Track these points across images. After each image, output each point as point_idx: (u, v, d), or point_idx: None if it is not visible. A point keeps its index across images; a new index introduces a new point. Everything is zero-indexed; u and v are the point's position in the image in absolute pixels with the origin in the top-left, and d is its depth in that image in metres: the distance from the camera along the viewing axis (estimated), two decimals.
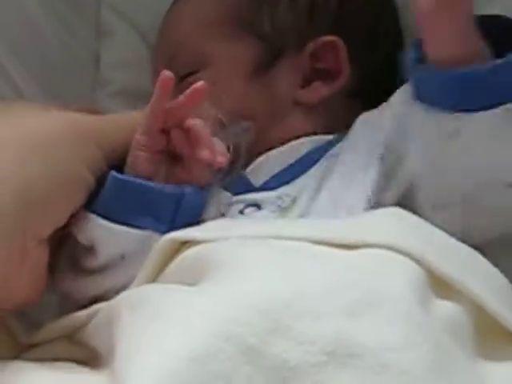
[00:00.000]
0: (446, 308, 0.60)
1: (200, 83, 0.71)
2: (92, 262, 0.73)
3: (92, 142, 0.71)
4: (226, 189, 0.80)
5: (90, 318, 0.68)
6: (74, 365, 0.66)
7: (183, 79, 0.86)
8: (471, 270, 0.65)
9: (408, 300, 0.57)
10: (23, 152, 0.67)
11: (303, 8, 0.89)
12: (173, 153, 0.74)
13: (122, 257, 0.72)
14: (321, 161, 0.81)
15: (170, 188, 0.72)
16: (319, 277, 0.58)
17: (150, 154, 0.73)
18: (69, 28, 0.99)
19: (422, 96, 0.73)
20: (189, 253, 0.65)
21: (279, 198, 0.78)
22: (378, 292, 0.57)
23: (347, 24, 0.89)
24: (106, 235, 0.72)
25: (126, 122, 0.75)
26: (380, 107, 0.82)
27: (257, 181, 0.82)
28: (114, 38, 1.04)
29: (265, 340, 0.53)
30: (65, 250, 0.75)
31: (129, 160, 0.74)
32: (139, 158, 0.73)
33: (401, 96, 0.78)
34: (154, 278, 0.68)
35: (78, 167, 0.70)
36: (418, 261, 0.61)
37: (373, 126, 0.80)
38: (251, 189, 0.81)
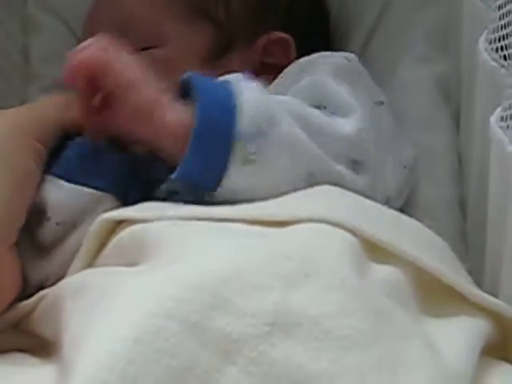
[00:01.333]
0: (383, 272, 0.62)
1: None
2: (44, 234, 0.73)
3: (32, 137, 0.71)
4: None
5: (35, 305, 0.68)
6: (22, 355, 0.66)
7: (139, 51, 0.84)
8: (404, 233, 0.66)
9: (343, 268, 0.58)
10: None
11: (256, 2, 0.91)
12: None
13: (74, 225, 0.72)
14: None
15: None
16: (255, 252, 0.59)
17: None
18: None
19: None
20: (125, 233, 0.66)
21: None
22: (313, 262, 0.58)
23: (295, 23, 0.92)
24: (57, 194, 0.72)
25: (51, 105, 0.75)
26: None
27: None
28: (41, 33, 1.03)
29: (207, 315, 0.54)
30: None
31: None
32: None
33: None
34: (92, 260, 0.68)
35: (26, 163, 0.70)
36: (350, 230, 0.62)
37: None
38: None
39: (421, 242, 0.67)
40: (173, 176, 0.69)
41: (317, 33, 0.96)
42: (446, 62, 0.93)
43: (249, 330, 0.54)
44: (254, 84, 0.73)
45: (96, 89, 0.71)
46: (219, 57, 0.88)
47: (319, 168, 0.71)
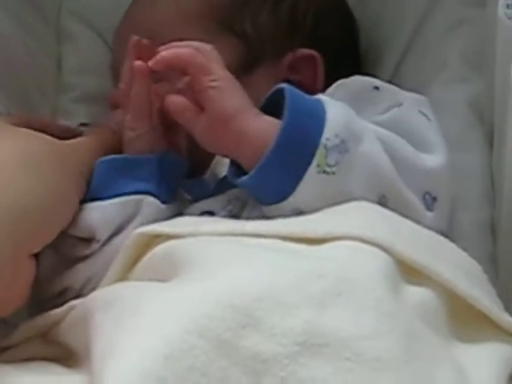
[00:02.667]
0: (417, 294, 0.61)
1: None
2: (84, 251, 0.74)
3: (76, 168, 0.73)
4: (187, 191, 0.81)
5: (64, 315, 0.68)
6: (48, 364, 0.66)
7: None
8: (440, 255, 0.66)
9: (377, 288, 0.58)
10: (17, 170, 0.68)
11: (285, 17, 0.91)
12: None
13: (119, 230, 0.73)
14: None
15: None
16: (288, 270, 0.59)
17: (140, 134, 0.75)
18: (32, 33, 0.99)
19: None
20: (159, 249, 0.66)
21: (229, 202, 0.78)
22: (347, 282, 0.58)
23: (323, 41, 0.91)
24: (101, 215, 0.73)
25: (94, 143, 0.77)
26: None
27: (212, 183, 0.82)
28: (75, 43, 1.04)
29: (238, 334, 0.54)
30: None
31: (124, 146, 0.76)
32: (131, 140, 0.76)
33: None
34: (125, 274, 0.68)
35: (66, 187, 0.72)
36: (386, 250, 0.62)
37: None
38: (206, 192, 0.81)
39: (455, 265, 0.66)
40: (244, 179, 0.71)
41: (346, 52, 0.96)
42: (479, 83, 0.93)
43: (279, 349, 0.54)
44: (342, 103, 0.73)
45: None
46: (244, 72, 0.87)
47: (393, 193, 0.72)
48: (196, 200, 0.79)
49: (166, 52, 0.74)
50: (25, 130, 0.73)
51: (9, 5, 0.95)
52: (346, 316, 0.56)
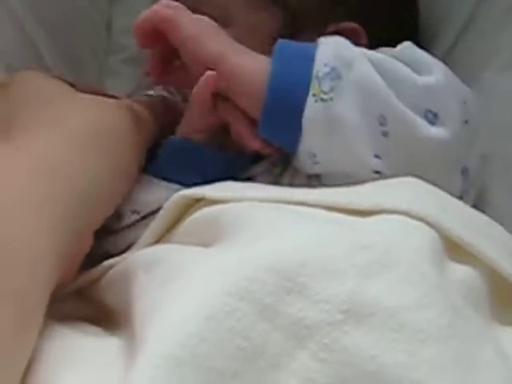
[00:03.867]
0: (461, 272, 0.61)
1: None
2: (119, 224, 0.75)
3: (140, 138, 0.74)
4: None
5: (101, 274, 0.68)
6: (84, 323, 0.66)
7: None
8: (486, 235, 0.65)
9: (423, 262, 0.57)
10: (84, 144, 0.68)
11: None
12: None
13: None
14: None
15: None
16: (334, 239, 0.58)
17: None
18: None
19: None
20: (202, 213, 0.66)
21: (273, 165, 0.78)
22: (393, 254, 0.57)
23: (369, 14, 0.89)
24: (154, 191, 0.75)
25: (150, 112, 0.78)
26: None
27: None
28: (126, 3, 1.04)
29: (281, 299, 0.53)
30: None
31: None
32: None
33: None
34: (163, 236, 0.68)
35: (130, 160, 0.72)
36: (433, 226, 0.61)
37: None
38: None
39: (501, 245, 0.65)
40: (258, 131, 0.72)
41: (398, 28, 0.94)
42: None
43: (322, 316, 0.53)
44: (338, 38, 0.75)
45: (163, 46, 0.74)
46: None
47: (391, 112, 0.71)
48: None
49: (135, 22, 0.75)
50: (93, 97, 0.73)
51: None
52: (392, 287, 0.55)
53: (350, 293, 0.54)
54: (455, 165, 0.74)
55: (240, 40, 0.83)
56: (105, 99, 0.73)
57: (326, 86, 0.70)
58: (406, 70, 0.73)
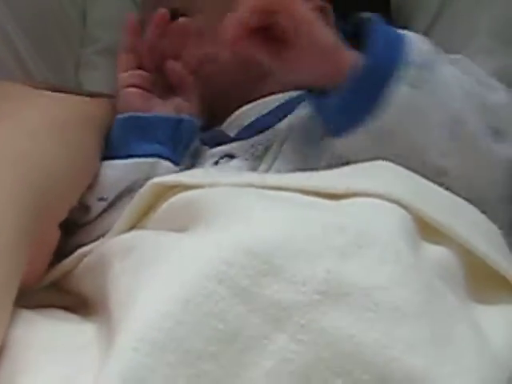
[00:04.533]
0: (435, 252, 0.61)
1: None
2: (89, 216, 0.75)
3: (98, 127, 0.74)
4: (203, 142, 0.82)
5: (76, 263, 0.68)
6: (62, 311, 0.66)
7: (174, 18, 0.86)
8: (459, 215, 0.66)
9: (398, 242, 0.58)
10: (44, 137, 0.68)
11: None
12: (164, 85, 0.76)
13: (129, 191, 0.73)
14: (295, 111, 0.82)
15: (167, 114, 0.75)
16: (309, 221, 0.58)
17: (140, 90, 0.75)
18: None
19: None
20: (177, 198, 0.65)
21: (252, 146, 0.79)
22: (367, 235, 0.57)
23: None
24: (113, 174, 0.74)
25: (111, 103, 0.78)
26: None
27: (232, 132, 0.83)
28: None
29: (257, 281, 0.54)
30: None
31: (120, 101, 0.76)
32: (131, 96, 0.76)
33: None
34: (138, 223, 0.68)
35: (90, 149, 0.73)
36: (406, 207, 0.62)
37: None
38: (226, 140, 0.82)
39: (474, 227, 0.66)
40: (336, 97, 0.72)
41: (369, 8, 0.93)
42: (507, 56, 0.92)
43: (299, 297, 0.53)
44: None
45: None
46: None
47: (465, 119, 0.73)
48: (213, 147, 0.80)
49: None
50: (48, 93, 0.73)
51: None
52: (367, 267, 0.56)
53: (325, 274, 0.54)
54: None
55: (211, 27, 0.83)
56: (64, 95, 0.73)
57: (422, 75, 0.71)
58: (479, 88, 0.76)
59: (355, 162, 0.70)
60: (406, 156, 0.71)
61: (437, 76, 0.73)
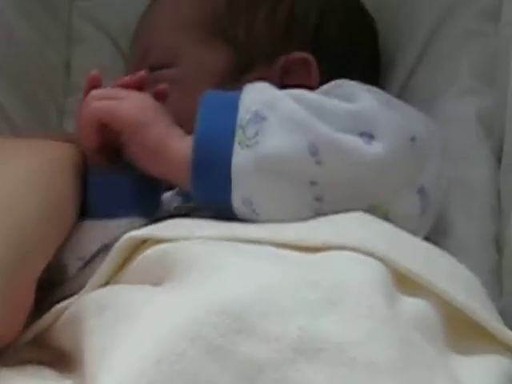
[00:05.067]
0: (412, 304, 0.61)
1: None
2: (66, 274, 0.75)
3: (74, 176, 0.73)
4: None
5: (54, 319, 0.68)
6: (42, 369, 0.65)
7: (153, 70, 0.88)
8: (437, 266, 0.65)
9: (372, 296, 0.58)
10: (20, 190, 0.68)
11: (281, 20, 0.91)
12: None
13: (106, 247, 0.73)
14: None
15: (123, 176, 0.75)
16: (282, 277, 0.59)
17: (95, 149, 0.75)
18: (42, 32, 0.99)
19: None
20: (151, 251, 0.65)
21: None
22: (341, 290, 0.57)
23: (324, 43, 0.90)
24: (93, 233, 0.74)
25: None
26: None
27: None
28: (84, 44, 1.04)
29: (231, 340, 0.54)
30: None
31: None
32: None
33: None
34: (114, 276, 0.68)
35: (67, 204, 0.72)
36: (382, 260, 0.61)
37: None
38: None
39: (453, 277, 0.66)
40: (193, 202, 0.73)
41: (352, 58, 0.94)
42: (489, 96, 0.92)
43: (273, 354, 0.53)
44: (265, 83, 0.74)
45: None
46: (237, 77, 0.87)
47: (322, 140, 0.69)
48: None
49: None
50: (26, 142, 0.73)
51: (21, 4, 0.96)
52: (341, 323, 0.55)
53: (299, 331, 0.54)
54: (408, 184, 0.72)
55: (188, 79, 0.84)
56: (41, 141, 0.73)
57: (250, 132, 0.69)
58: (333, 101, 0.72)
59: None
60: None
61: (270, 120, 0.70)
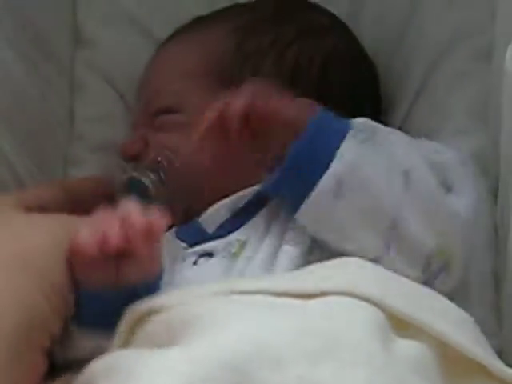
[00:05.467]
0: (409, 347, 0.62)
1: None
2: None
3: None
4: (181, 239, 0.83)
5: None
6: None
7: (158, 115, 0.90)
8: (430, 308, 0.66)
9: (368, 343, 0.59)
10: (18, 271, 0.67)
11: (288, 66, 0.92)
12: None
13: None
14: (270, 202, 0.83)
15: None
16: (280, 327, 0.60)
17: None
18: (46, 81, 1.00)
19: None
20: (152, 322, 0.66)
21: (230, 243, 0.80)
22: (337, 337, 0.58)
23: (328, 90, 0.92)
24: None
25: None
26: None
27: (210, 228, 0.84)
28: (88, 93, 1.05)
29: None
30: None
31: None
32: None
33: None
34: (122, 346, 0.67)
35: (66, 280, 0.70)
36: (377, 304, 0.63)
37: None
38: (205, 237, 0.83)
39: (446, 317, 0.67)
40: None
41: (361, 99, 0.96)
42: (483, 135, 0.93)
43: None
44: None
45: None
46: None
47: (417, 171, 0.76)
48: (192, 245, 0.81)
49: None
50: (23, 220, 0.72)
51: (25, 54, 0.96)
52: (338, 371, 0.56)
53: (298, 379, 0.55)
54: None
55: (189, 125, 0.85)
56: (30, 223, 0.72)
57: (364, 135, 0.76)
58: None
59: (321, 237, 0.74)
60: (362, 209, 0.74)
61: (381, 137, 0.76)
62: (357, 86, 0.97)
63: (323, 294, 0.64)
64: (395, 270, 0.73)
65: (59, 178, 0.92)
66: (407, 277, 0.73)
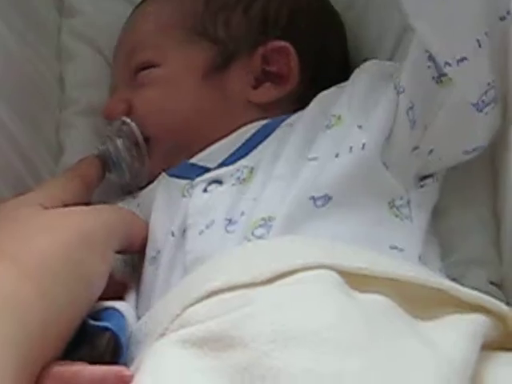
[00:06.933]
0: (369, 297, 0.65)
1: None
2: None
3: (100, 247, 0.72)
4: (183, 176, 0.87)
5: None
6: None
7: (138, 72, 0.94)
8: (376, 257, 0.70)
9: (333, 293, 0.63)
10: (44, 282, 0.66)
11: (257, 16, 0.96)
12: None
13: None
14: (276, 131, 0.87)
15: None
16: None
17: None
18: (34, 50, 1.03)
19: None
20: None
21: (238, 170, 0.84)
22: (305, 292, 0.64)
23: (297, 37, 0.95)
24: None
25: (119, 216, 0.80)
26: (335, 87, 0.89)
27: (213, 163, 0.87)
28: (75, 61, 1.08)
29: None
30: None
31: None
32: None
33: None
34: None
35: (96, 289, 0.71)
36: (330, 267, 0.65)
37: (329, 101, 0.86)
38: (210, 169, 0.86)
39: (394, 260, 0.71)
40: None
41: (325, 53, 0.99)
42: None
43: (253, 353, 0.58)
44: None
45: None
46: (219, 70, 0.93)
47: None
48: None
49: None
50: (56, 219, 0.73)
51: (12, 23, 0.99)
52: (310, 313, 0.61)
53: (272, 325, 0.60)
54: None
55: (174, 77, 0.91)
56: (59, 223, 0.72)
57: None
58: None
59: None
60: None
61: None
62: (325, 36, 0.99)
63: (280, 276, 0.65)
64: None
65: (75, 170, 0.89)
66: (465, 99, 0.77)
